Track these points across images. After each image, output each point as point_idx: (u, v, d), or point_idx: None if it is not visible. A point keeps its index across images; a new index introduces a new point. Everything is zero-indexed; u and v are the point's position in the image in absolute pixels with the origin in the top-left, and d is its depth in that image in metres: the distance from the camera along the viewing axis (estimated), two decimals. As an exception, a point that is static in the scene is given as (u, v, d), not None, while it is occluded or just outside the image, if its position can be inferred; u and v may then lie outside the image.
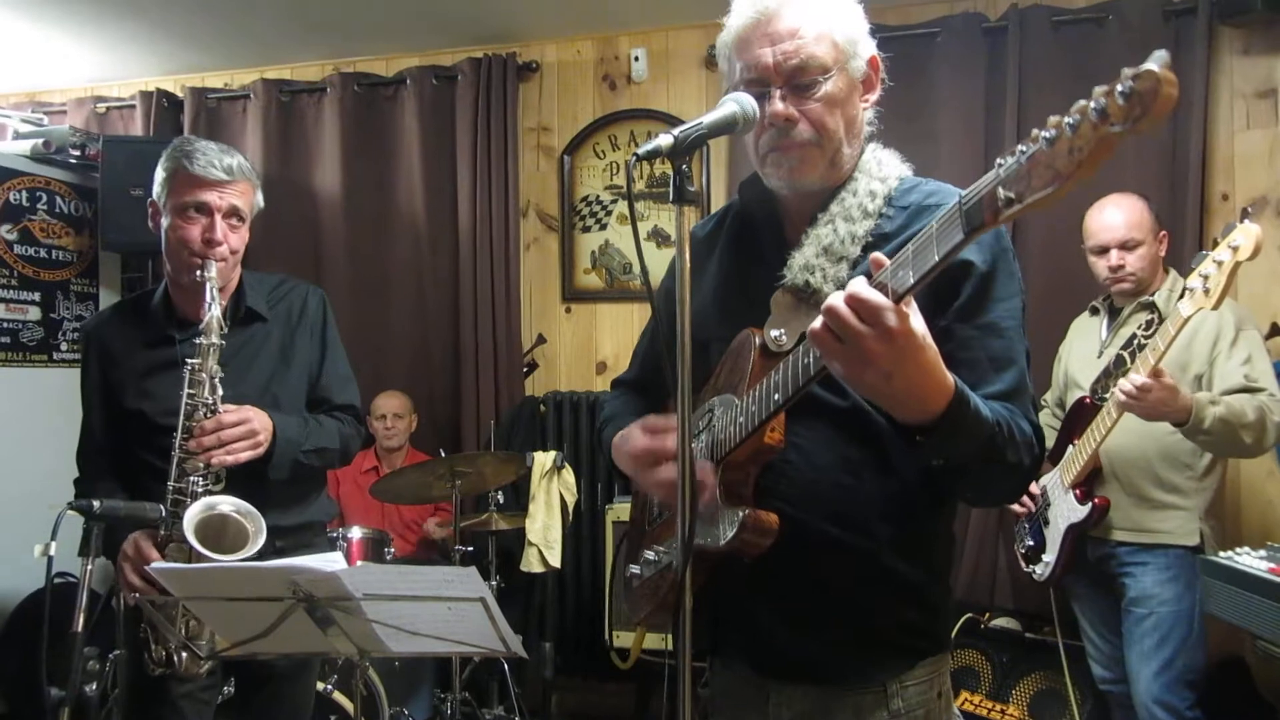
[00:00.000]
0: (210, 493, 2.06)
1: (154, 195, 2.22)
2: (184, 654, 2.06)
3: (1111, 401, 2.62)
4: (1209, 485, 2.76)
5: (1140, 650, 2.74)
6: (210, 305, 2.10)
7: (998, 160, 0.99)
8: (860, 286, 1.10)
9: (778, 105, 1.38)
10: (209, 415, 2.09)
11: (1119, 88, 0.86)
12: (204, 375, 2.09)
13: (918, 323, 1.13)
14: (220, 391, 2.10)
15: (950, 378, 1.19)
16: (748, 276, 1.52)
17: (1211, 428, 2.53)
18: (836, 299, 1.11)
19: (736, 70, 1.44)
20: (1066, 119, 0.91)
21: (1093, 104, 0.88)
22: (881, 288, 1.10)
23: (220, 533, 2.00)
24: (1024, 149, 0.95)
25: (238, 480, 2.11)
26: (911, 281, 1.08)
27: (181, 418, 2.09)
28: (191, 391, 2.09)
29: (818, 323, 1.13)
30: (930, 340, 1.15)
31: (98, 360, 2.30)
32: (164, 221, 2.19)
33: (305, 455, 2.25)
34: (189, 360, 2.10)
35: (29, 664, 3.73)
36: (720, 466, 1.37)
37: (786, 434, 1.32)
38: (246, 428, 2.10)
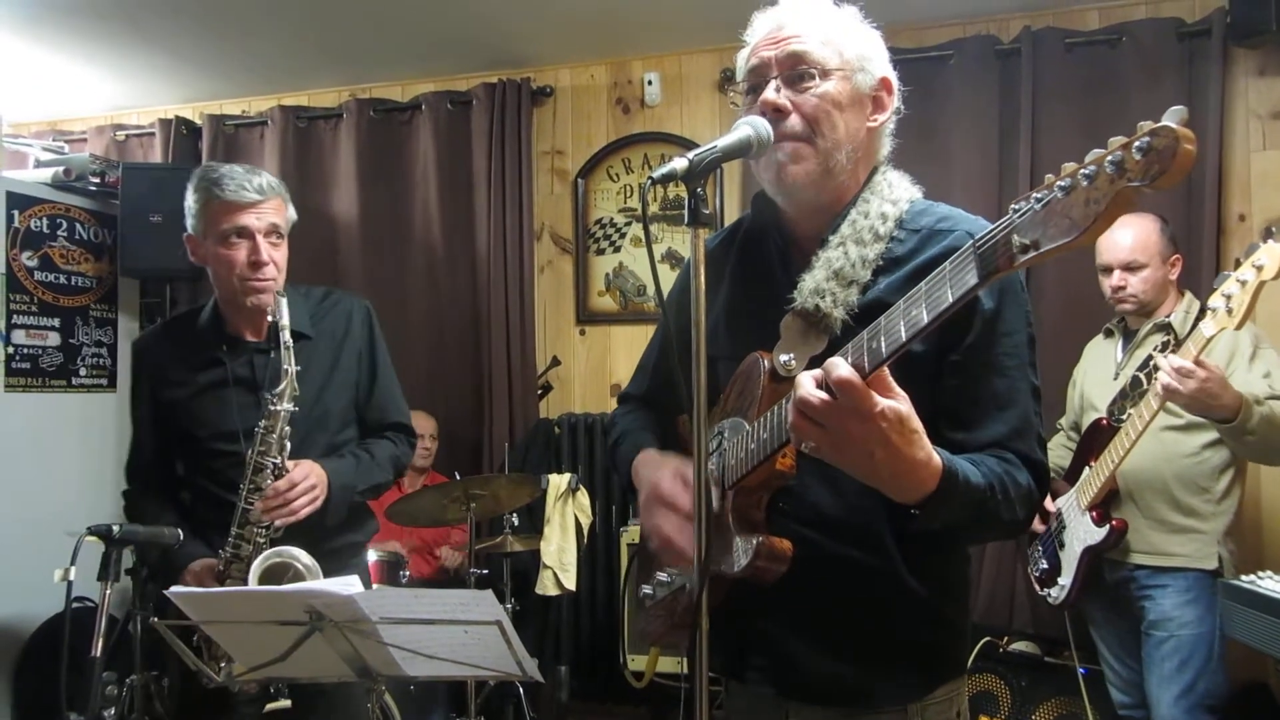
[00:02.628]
0: (274, 541, 2.11)
1: (189, 229, 2.23)
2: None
3: (1151, 395, 2.56)
4: (1227, 509, 2.73)
5: (1160, 674, 2.71)
6: (285, 367, 2.11)
7: (1012, 205, 0.98)
8: (844, 370, 1.09)
9: (769, 94, 1.38)
10: (276, 474, 2.11)
11: (1136, 143, 0.86)
12: (273, 438, 2.12)
13: (896, 401, 1.12)
14: (289, 448, 2.13)
15: (937, 456, 1.19)
16: (756, 295, 1.52)
17: (1257, 428, 2.48)
18: (808, 385, 1.11)
19: (742, 75, 1.45)
20: (1082, 169, 0.90)
21: (1109, 157, 0.88)
22: (858, 366, 1.10)
23: (279, 578, 2.05)
24: (1039, 195, 0.94)
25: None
26: (904, 338, 1.07)
27: (249, 471, 2.12)
28: (261, 449, 2.12)
29: (792, 414, 1.14)
30: (915, 420, 1.14)
31: (148, 379, 2.32)
32: (206, 251, 2.21)
33: (360, 495, 2.30)
34: (261, 423, 2.12)
35: (48, 689, 3.73)
36: (731, 492, 1.37)
37: (798, 456, 1.31)
38: (306, 484, 2.14)
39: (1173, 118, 0.85)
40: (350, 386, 2.37)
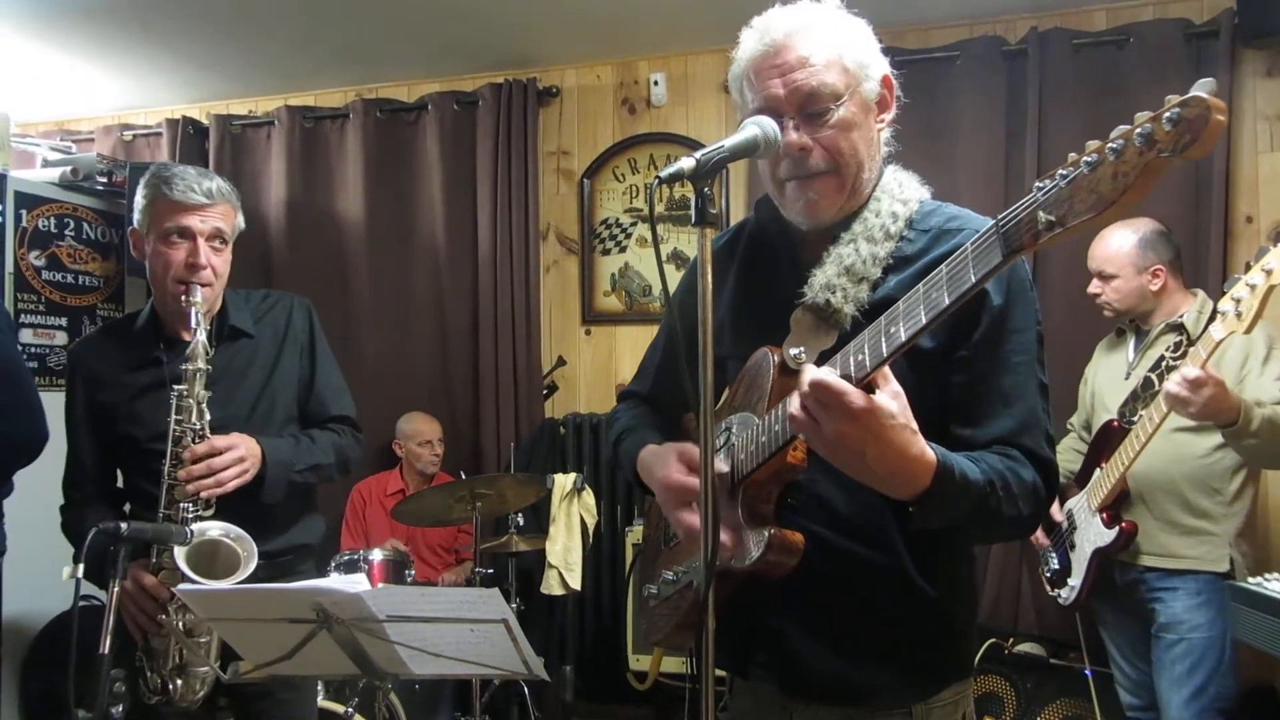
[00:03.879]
0: (201, 518, 2.05)
1: (134, 223, 2.21)
2: (179, 681, 2.05)
3: (1161, 399, 2.54)
4: (1238, 511, 2.72)
5: (1171, 677, 2.70)
6: (196, 330, 2.09)
7: (1036, 184, 0.98)
8: (821, 373, 1.12)
9: (792, 135, 1.37)
10: (197, 440, 2.08)
11: (1166, 114, 0.86)
12: (191, 400, 2.08)
13: (887, 401, 1.14)
14: (208, 416, 2.10)
15: (931, 452, 1.20)
16: (762, 294, 1.53)
17: (1259, 430, 2.47)
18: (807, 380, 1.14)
19: (749, 101, 1.44)
20: (1109, 144, 0.90)
21: (1138, 130, 0.88)
22: (859, 366, 1.12)
23: (212, 558, 2.00)
24: (1064, 172, 0.94)
25: (225, 504, 2.09)
26: (924, 320, 1.09)
27: (170, 444, 2.07)
28: (179, 418, 2.08)
29: (795, 407, 1.16)
30: (909, 417, 1.16)
31: (83, 384, 2.27)
32: (147, 248, 2.19)
33: (300, 475, 2.24)
34: (175, 386, 2.09)
35: (56, 686, 3.75)
36: (741, 487, 1.37)
37: (809, 451, 1.31)
38: (234, 454, 2.09)
39: (1203, 88, 0.85)
40: (293, 383, 2.35)
